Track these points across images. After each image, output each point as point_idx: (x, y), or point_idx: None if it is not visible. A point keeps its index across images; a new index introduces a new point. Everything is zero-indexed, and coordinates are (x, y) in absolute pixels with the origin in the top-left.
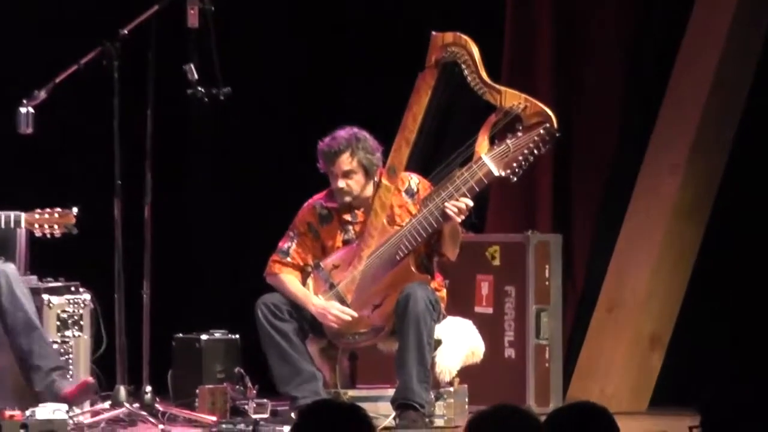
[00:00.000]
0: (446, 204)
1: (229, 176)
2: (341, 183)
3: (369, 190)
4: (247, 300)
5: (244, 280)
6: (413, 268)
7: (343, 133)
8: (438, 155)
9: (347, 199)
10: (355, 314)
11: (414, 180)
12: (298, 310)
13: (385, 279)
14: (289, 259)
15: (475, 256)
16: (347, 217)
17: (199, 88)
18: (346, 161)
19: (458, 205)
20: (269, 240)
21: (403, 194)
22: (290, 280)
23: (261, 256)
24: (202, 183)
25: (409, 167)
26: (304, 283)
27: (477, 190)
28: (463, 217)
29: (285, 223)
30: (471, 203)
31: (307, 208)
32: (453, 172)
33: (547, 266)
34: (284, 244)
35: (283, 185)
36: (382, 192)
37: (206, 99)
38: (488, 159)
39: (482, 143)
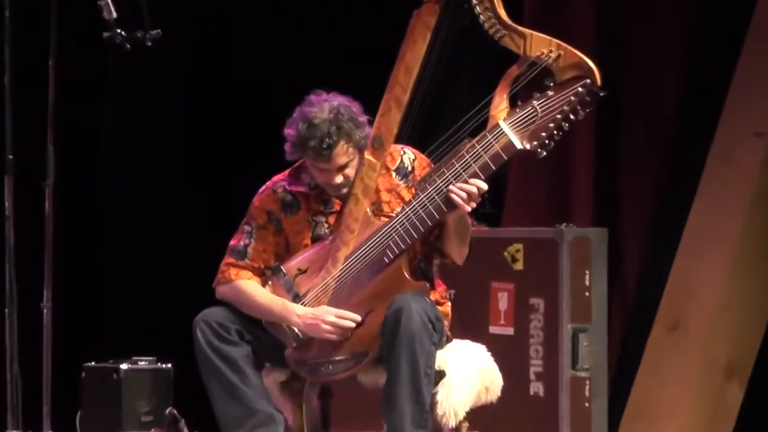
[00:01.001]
0: (451, 187)
1: (159, 150)
2: (338, 179)
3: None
4: (184, 317)
5: (179, 291)
6: (406, 274)
7: (318, 112)
8: (440, 122)
9: (344, 191)
10: (358, 318)
11: (408, 155)
12: (252, 330)
13: (368, 288)
14: (247, 260)
15: (491, 257)
16: (318, 205)
17: (119, 31)
18: (342, 153)
19: (467, 188)
20: (216, 235)
21: (393, 174)
22: (254, 287)
23: (204, 258)
24: (124, 159)
25: (402, 138)
26: None
27: (492, 168)
28: (473, 204)
29: (236, 213)
30: (484, 186)
31: (266, 192)
32: (460, 144)
33: (587, 271)
34: (239, 242)
35: (234, 161)
36: (366, 171)
37: (128, 45)
38: (508, 126)
39: (500, 105)
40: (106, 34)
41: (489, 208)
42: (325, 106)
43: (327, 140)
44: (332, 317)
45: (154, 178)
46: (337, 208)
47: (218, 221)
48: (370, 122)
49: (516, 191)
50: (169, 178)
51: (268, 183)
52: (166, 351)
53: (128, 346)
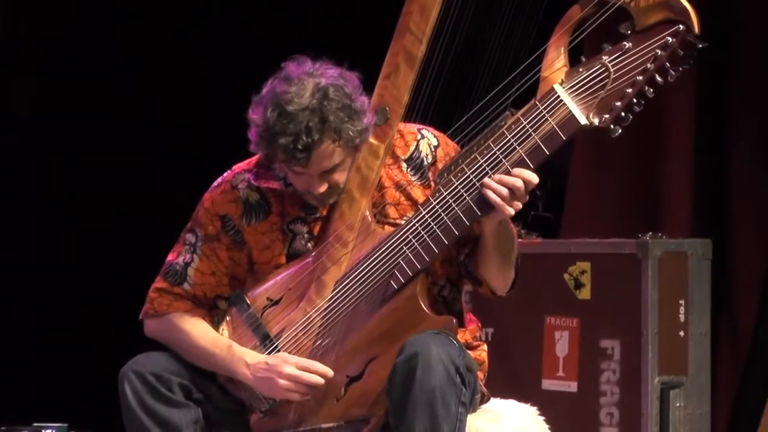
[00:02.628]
0: (486, 180)
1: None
2: (321, 187)
3: None
4: (108, 366)
5: (98, 328)
6: (424, 306)
7: (296, 94)
8: (470, 86)
9: (329, 201)
10: (329, 372)
11: (428, 140)
12: (202, 386)
13: (369, 327)
14: (186, 285)
15: (545, 281)
16: (296, 209)
17: None
18: (327, 155)
19: (509, 182)
20: (148, 251)
21: (404, 165)
22: (192, 323)
23: (133, 283)
24: (20, 146)
25: (416, 110)
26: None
27: (546, 152)
28: (519, 206)
29: (176, 223)
30: (535, 179)
31: (222, 188)
32: (499, 119)
33: (682, 301)
34: (176, 259)
35: (179, 148)
36: (365, 158)
37: None
38: (567, 93)
39: (555, 63)
40: None
41: (542, 211)
42: (307, 84)
43: (304, 139)
44: (291, 369)
45: (62, 175)
46: (324, 213)
47: (156, 231)
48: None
49: (581, 188)
50: (85, 172)
51: (225, 174)
52: (81, 413)
53: (31, 407)
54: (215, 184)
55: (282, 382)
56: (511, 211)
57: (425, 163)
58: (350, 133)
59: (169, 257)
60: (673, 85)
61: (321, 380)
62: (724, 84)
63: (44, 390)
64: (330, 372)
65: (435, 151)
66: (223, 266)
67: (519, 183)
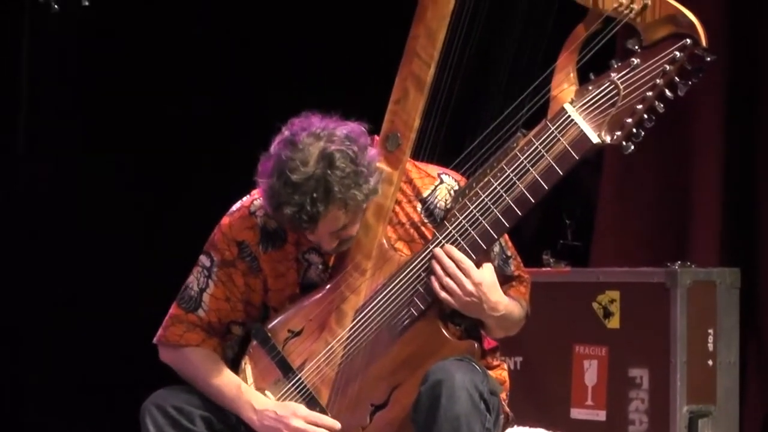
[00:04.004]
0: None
1: (92, 142)
2: (331, 245)
3: None
4: (126, 398)
5: (116, 354)
6: (445, 332)
7: (301, 162)
8: (480, 109)
9: (343, 249)
10: (338, 426)
11: (448, 184)
12: (225, 419)
13: (391, 354)
14: (200, 312)
15: (574, 309)
16: (311, 240)
17: None
18: (333, 220)
19: (445, 263)
20: (163, 267)
21: (419, 205)
22: (203, 359)
23: (152, 302)
24: (50, 151)
25: (427, 135)
26: (234, 363)
27: (560, 173)
28: (461, 300)
29: (193, 241)
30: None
31: (239, 214)
32: (511, 140)
33: (711, 330)
34: (192, 286)
35: (193, 166)
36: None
37: (56, 5)
38: (577, 111)
39: (564, 82)
40: None
41: (572, 240)
42: (312, 150)
43: (309, 209)
44: (300, 423)
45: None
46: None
47: (173, 246)
48: (375, 117)
49: (610, 216)
50: (106, 180)
51: (244, 199)
52: None
53: None
54: (234, 208)
55: None
56: (454, 305)
57: (439, 209)
58: (357, 198)
59: (188, 279)
60: (702, 113)
61: None
62: (753, 112)
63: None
64: (338, 425)
65: (448, 196)
66: (238, 292)
67: (451, 265)
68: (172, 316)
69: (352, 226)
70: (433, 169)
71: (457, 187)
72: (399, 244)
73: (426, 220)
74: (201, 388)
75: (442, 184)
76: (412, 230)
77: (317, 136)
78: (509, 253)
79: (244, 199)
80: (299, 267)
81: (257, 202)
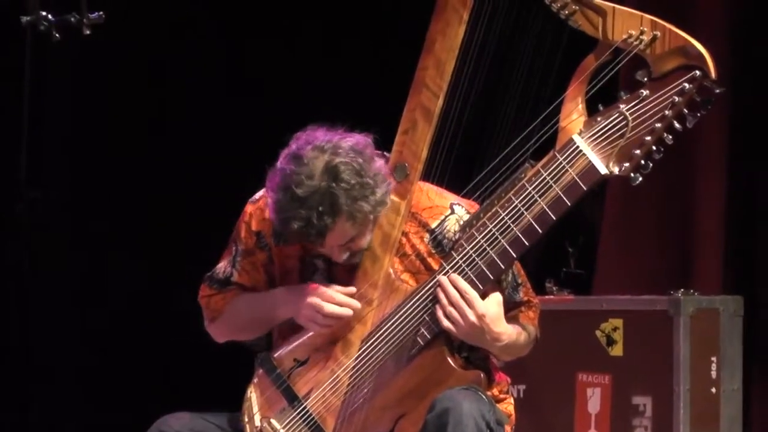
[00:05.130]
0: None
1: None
2: (344, 255)
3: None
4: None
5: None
6: (451, 361)
7: (307, 175)
8: (488, 139)
9: (357, 260)
10: (357, 304)
11: (459, 215)
12: None
13: (398, 384)
14: (232, 288)
15: (577, 337)
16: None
17: (44, 13)
18: (341, 232)
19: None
20: (184, 278)
21: (426, 236)
22: (236, 300)
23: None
24: (53, 182)
25: (434, 167)
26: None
27: (568, 204)
28: (461, 326)
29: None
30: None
31: (257, 206)
32: (519, 170)
33: (714, 358)
34: (222, 269)
35: (205, 182)
36: (386, 216)
37: (56, 33)
38: (586, 143)
39: (573, 113)
40: (25, 18)
41: (575, 268)
42: (317, 163)
43: (316, 223)
44: (315, 299)
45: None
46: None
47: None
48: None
49: (613, 244)
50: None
51: (263, 191)
52: None
53: None
54: (256, 197)
55: (304, 312)
56: (455, 332)
57: (445, 240)
58: (364, 209)
59: (216, 268)
60: (704, 141)
61: (341, 310)
62: (755, 140)
63: None
64: (356, 304)
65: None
66: (261, 278)
67: (455, 296)
68: (208, 296)
69: (361, 238)
70: (447, 199)
71: (466, 218)
72: (405, 276)
73: (434, 251)
74: (254, 327)
75: (453, 215)
76: (418, 262)
77: (322, 149)
78: (520, 281)
79: (262, 191)
80: (303, 268)
81: None
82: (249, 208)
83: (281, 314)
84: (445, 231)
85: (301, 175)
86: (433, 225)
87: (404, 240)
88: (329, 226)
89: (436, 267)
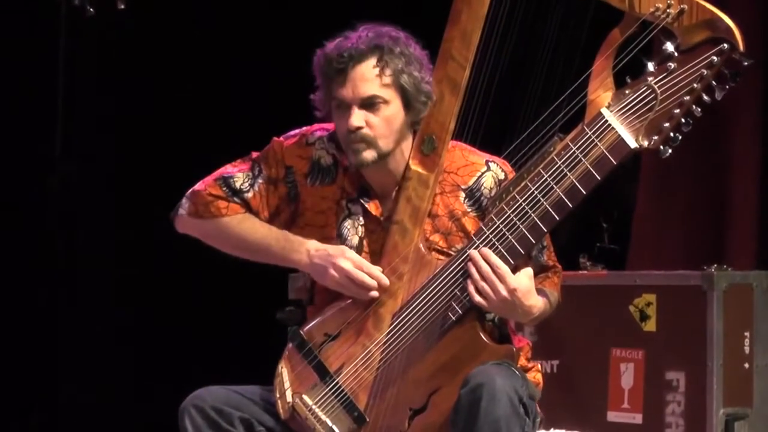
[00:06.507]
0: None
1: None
2: (356, 119)
3: (402, 153)
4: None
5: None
6: (483, 335)
7: (363, 32)
8: (516, 112)
9: (365, 155)
10: (385, 280)
11: (495, 172)
12: (264, 420)
13: (429, 359)
14: (238, 201)
15: (611, 313)
16: (353, 189)
17: None
18: (369, 73)
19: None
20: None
21: (462, 194)
22: (243, 219)
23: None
24: (85, 161)
25: (463, 141)
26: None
27: (598, 178)
28: (493, 299)
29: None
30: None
31: (294, 141)
32: (548, 144)
33: (747, 333)
34: (234, 176)
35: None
36: (414, 188)
37: (91, 9)
38: (614, 116)
39: (600, 86)
40: None
41: (608, 244)
42: (372, 28)
43: (351, 50)
44: (347, 264)
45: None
46: (374, 210)
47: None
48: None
49: (647, 219)
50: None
51: (304, 128)
52: None
53: None
54: (291, 132)
55: (333, 273)
56: (486, 305)
57: (483, 197)
58: (398, 66)
59: (228, 167)
60: (739, 116)
61: (370, 281)
62: None
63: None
64: (385, 280)
65: (501, 185)
66: (267, 210)
67: (487, 270)
68: (214, 196)
69: (381, 110)
70: (481, 156)
71: (503, 176)
72: (435, 237)
73: (469, 210)
74: (245, 249)
75: (488, 171)
76: (450, 222)
77: (367, 28)
78: (545, 243)
79: (305, 128)
80: (339, 211)
81: (317, 134)
82: (282, 139)
83: (294, 260)
84: (482, 187)
85: (351, 38)
86: (470, 182)
87: (436, 199)
88: (363, 55)
89: (470, 228)
